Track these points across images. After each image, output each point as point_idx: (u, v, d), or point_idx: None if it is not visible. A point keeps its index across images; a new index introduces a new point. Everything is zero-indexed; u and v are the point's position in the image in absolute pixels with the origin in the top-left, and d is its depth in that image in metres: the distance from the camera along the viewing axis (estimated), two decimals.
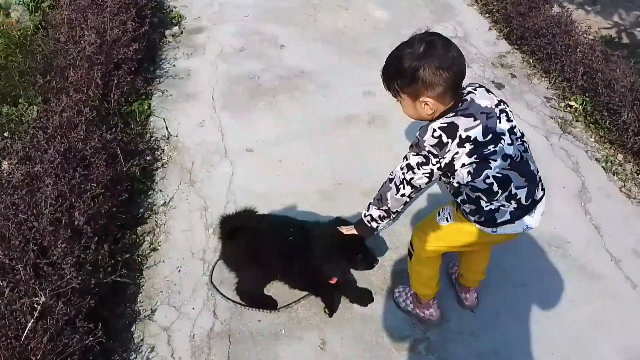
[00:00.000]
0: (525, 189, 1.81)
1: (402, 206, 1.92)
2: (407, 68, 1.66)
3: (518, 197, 1.80)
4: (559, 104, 3.77)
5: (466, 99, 1.74)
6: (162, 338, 2.29)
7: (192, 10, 4.86)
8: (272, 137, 3.38)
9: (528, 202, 1.83)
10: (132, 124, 3.33)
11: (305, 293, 2.43)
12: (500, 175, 1.75)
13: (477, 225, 1.90)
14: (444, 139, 1.68)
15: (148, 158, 3.09)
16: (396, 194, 1.86)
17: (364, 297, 2.44)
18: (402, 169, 1.82)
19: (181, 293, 2.46)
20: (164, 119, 3.47)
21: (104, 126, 3.04)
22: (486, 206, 1.82)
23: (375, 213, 1.97)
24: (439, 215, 2.06)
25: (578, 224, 2.83)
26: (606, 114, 3.42)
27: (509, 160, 1.74)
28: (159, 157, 3.18)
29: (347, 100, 3.76)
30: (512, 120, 1.79)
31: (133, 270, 2.53)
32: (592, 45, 3.90)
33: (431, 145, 1.70)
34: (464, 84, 1.77)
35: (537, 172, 1.88)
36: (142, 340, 2.27)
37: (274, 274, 2.39)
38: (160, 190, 2.97)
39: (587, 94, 3.63)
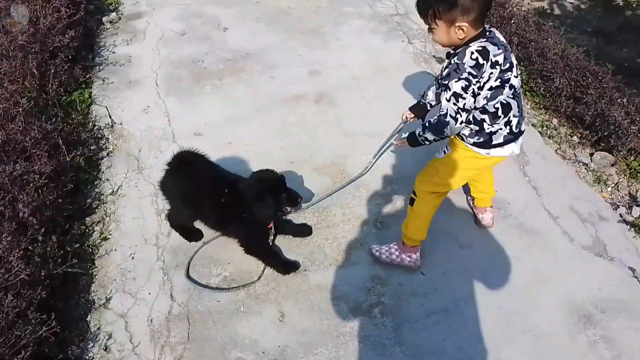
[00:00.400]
0: (518, 119, 2.11)
1: (460, 130, 2.15)
2: None
3: (512, 123, 2.10)
4: None
5: (491, 31, 2.00)
6: (119, 325, 2.27)
7: None
8: (221, 119, 3.36)
9: (517, 130, 2.14)
10: (73, 113, 3.24)
11: (262, 272, 2.48)
12: (505, 102, 2.04)
13: (473, 148, 2.16)
14: (480, 60, 1.92)
15: (92, 147, 3.02)
16: (455, 124, 2.03)
17: (303, 229, 2.66)
18: (449, 100, 2.00)
19: (136, 279, 2.45)
20: (106, 107, 3.38)
21: (44, 117, 2.95)
22: (487, 128, 2.09)
23: (431, 137, 2.17)
24: (437, 153, 2.34)
25: (518, 186, 2.98)
26: (540, 81, 3.59)
27: (513, 90, 2.03)
28: (104, 146, 3.11)
29: (293, 80, 3.78)
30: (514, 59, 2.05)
31: (84, 260, 2.49)
32: (526, 17, 4.06)
33: (470, 67, 1.92)
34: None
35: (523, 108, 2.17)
36: (98, 328, 2.25)
37: (206, 221, 2.52)
38: (108, 179, 2.92)
39: (522, 63, 3.79)
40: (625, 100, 3.15)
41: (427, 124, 2.16)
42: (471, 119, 2.08)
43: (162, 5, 4.58)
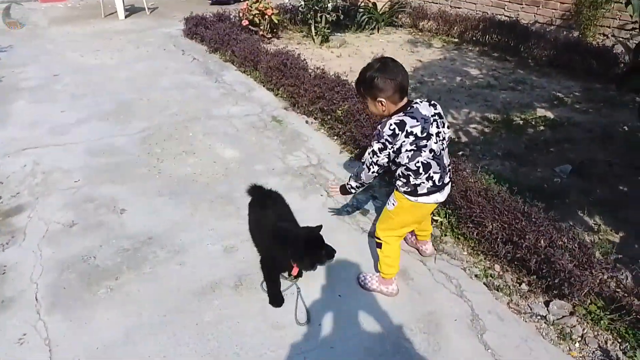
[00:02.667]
0: (439, 175, 2.63)
1: (373, 179, 2.81)
2: (367, 77, 2.53)
3: (434, 179, 2.62)
4: None
5: (413, 107, 2.54)
6: None
7: (9, 185, 4.17)
8: (118, 337, 2.72)
9: (440, 184, 2.65)
10: None
11: None
12: (425, 162, 2.57)
13: (406, 196, 2.67)
14: (397, 131, 2.48)
15: None
16: (368, 172, 2.72)
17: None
18: (369, 154, 2.64)
19: None
20: None
21: None
22: (412, 181, 2.62)
23: (354, 184, 2.91)
24: (387, 204, 2.84)
25: None
26: (471, 225, 3.36)
27: (432, 153, 2.57)
28: None
29: (206, 262, 3.29)
30: (439, 127, 2.59)
31: None
32: None
33: (388, 135, 2.50)
34: (415, 98, 2.67)
35: (448, 165, 2.73)
36: None
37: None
38: None
39: (447, 206, 3.59)
40: (565, 239, 2.94)
41: (352, 174, 2.92)
42: (401, 174, 2.64)
43: (47, 193, 4.04)
